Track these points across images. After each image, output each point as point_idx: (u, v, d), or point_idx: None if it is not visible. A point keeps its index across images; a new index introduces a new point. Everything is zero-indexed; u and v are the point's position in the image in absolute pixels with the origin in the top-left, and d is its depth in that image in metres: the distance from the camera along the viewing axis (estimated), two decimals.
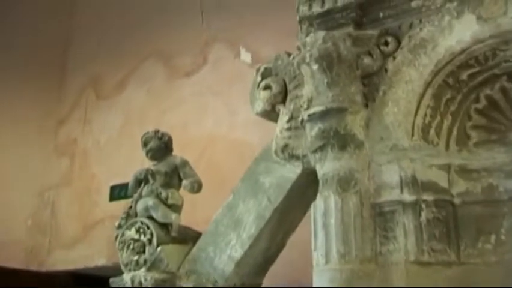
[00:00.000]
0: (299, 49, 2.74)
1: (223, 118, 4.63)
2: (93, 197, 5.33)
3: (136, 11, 5.43)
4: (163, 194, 3.15)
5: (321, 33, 2.62)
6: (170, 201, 3.14)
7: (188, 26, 5.00)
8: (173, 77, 5.11)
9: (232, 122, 4.57)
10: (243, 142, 4.31)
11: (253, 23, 4.53)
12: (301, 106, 2.69)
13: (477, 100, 2.57)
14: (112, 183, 5.10)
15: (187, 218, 3.14)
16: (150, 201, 3.15)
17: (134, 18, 5.42)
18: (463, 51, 2.48)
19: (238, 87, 4.44)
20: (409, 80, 2.53)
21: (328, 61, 2.57)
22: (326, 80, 2.57)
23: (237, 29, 4.65)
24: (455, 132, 2.57)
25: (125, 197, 3.72)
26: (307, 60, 2.63)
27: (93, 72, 5.73)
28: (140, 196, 3.21)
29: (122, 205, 3.97)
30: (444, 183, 2.50)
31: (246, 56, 4.59)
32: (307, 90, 2.67)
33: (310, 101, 2.62)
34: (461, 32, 2.49)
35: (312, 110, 2.60)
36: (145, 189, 3.22)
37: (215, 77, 4.80)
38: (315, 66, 2.60)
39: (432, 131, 2.54)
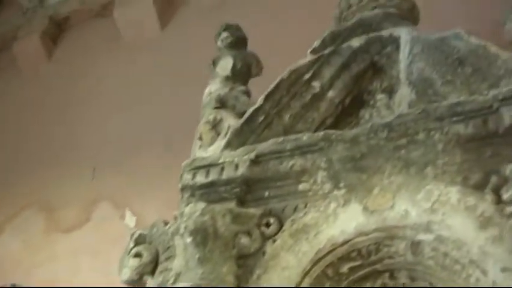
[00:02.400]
0: (176, 219, 2.57)
1: (97, 282, 4.31)
2: None
3: (26, 156, 5.19)
4: None
5: (201, 205, 2.49)
6: None
7: (78, 181, 4.78)
8: (52, 230, 4.80)
9: None
10: None
11: (143, 186, 4.36)
12: (168, 280, 2.48)
13: None
14: None
15: None
16: None
17: (22, 163, 5.17)
18: (345, 242, 2.35)
19: (119, 250, 4.15)
20: (286, 267, 2.37)
21: (203, 235, 2.42)
22: (197, 256, 2.39)
23: (126, 190, 4.45)
24: None
25: None
26: (182, 231, 2.48)
27: None
28: None
29: None
30: None
31: (130, 220, 4.37)
32: (177, 263, 2.47)
33: (178, 276, 2.43)
34: (345, 222, 2.38)
35: (178, 286, 2.39)
36: None
37: (96, 236, 4.52)
38: (188, 239, 2.43)
39: None
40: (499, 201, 2.21)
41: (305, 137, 2.54)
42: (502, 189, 2.22)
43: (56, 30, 5.55)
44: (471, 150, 2.34)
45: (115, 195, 4.52)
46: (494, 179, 2.25)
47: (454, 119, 2.36)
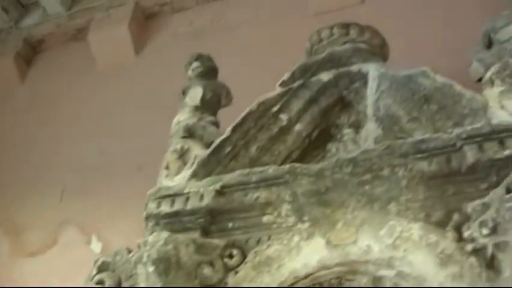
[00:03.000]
0: (139, 247, 2.56)
1: None
2: None
3: None
4: None
5: (164, 234, 2.49)
6: None
7: (45, 204, 4.73)
8: (18, 253, 4.74)
9: None
10: None
11: (112, 212, 4.32)
12: None
13: None
14: None
15: None
16: None
17: None
18: (307, 275, 2.36)
19: (85, 276, 4.11)
20: None
21: (166, 265, 2.41)
22: (160, 285, 2.39)
23: (94, 215, 4.41)
24: None
25: None
26: (144, 260, 2.45)
27: None
28: None
29: None
30: None
31: (96, 245, 4.33)
32: None
33: None
34: (308, 256, 2.39)
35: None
36: None
37: (62, 261, 4.47)
38: (150, 268, 2.41)
39: None
40: (460, 238, 2.23)
41: (271, 170, 2.56)
42: (463, 227, 2.24)
43: (31, 52, 5.53)
44: (434, 187, 2.37)
45: (83, 220, 4.48)
46: (456, 217, 2.28)
47: (418, 156, 2.38)
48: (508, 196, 2.11)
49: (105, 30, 5.05)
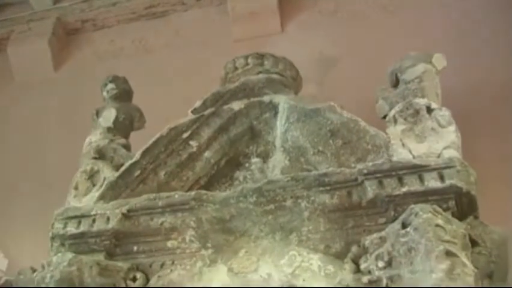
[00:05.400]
0: (43, 267, 2.55)
1: None
2: None
3: None
4: None
5: (69, 255, 2.50)
6: None
7: None
8: None
9: None
10: None
11: (20, 230, 4.22)
12: None
13: None
14: None
15: None
16: None
17: None
18: None
19: None
20: None
21: (68, 286, 2.42)
22: None
23: (2, 232, 4.31)
24: None
25: None
26: (47, 280, 2.46)
27: None
28: None
29: None
30: None
31: (2, 262, 4.23)
32: None
33: None
34: (210, 282, 2.44)
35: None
36: None
37: None
38: None
39: None
40: (357, 270, 2.30)
41: (177, 196, 2.59)
42: (360, 259, 2.31)
43: None
44: (335, 220, 2.44)
45: None
46: (354, 249, 2.35)
47: (321, 188, 2.45)
48: (403, 231, 2.17)
49: (25, 44, 4.95)
